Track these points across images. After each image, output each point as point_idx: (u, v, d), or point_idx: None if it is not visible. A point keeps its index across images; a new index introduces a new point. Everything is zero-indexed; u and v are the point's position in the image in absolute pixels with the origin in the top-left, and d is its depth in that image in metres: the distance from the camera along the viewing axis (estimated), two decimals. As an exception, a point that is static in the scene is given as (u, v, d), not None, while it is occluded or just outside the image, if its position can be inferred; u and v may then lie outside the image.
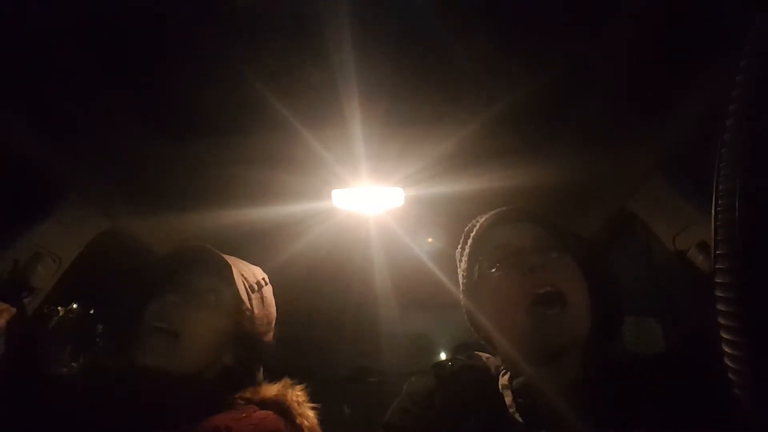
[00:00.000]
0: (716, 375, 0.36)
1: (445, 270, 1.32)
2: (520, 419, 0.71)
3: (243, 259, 1.06)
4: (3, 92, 0.86)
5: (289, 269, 1.38)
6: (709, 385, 0.52)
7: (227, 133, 1.03)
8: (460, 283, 0.87)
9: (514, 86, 0.90)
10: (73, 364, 1.62)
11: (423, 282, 1.58)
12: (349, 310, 2.08)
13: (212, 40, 0.80)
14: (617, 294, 0.81)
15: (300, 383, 0.99)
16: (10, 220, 1.08)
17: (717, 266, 0.35)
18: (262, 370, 1.03)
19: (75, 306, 1.71)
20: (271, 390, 0.95)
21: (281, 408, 0.92)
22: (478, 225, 0.85)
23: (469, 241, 0.85)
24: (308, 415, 0.95)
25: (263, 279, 1.05)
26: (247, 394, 0.93)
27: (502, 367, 0.80)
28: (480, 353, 0.87)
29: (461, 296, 0.87)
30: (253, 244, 1.29)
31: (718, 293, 0.34)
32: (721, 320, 0.34)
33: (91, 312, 1.75)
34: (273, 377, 1.00)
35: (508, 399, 0.74)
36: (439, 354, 2.44)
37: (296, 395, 0.96)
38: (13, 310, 0.91)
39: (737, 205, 0.33)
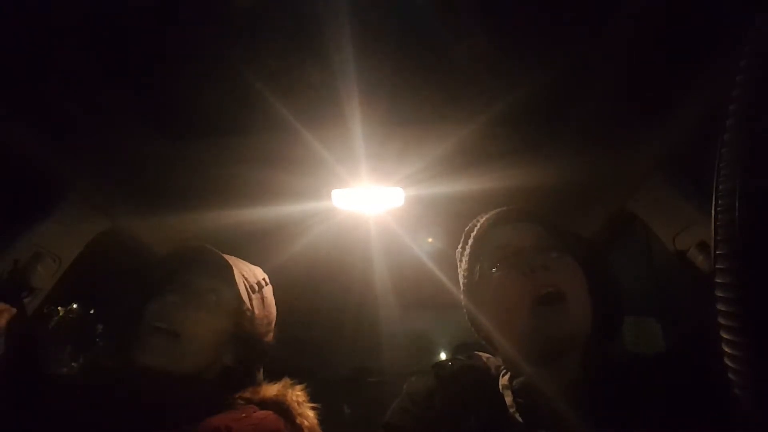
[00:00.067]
0: (716, 375, 0.36)
1: (445, 270, 1.32)
2: (520, 419, 0.71)
3: (243, 259, 1.06)
4: (3, 92, 0.86)
5: (289, 269, 1.38)
6: (709, 385, 0.52)
7: (227, 133, 1.03)
8: (461, 282, 0.87)
9: (514, 86, 0.90)
10: (73, 364, 1.62)
11: (423, 282, 1.58)
12: (349, 310, 2.08)
13: (212, 40, 0.80)
14: (617, 294, 0.81)
15: (300, 383, 0.99)
16: (10, 220, 1.08)
17: (717, 266, 0.35)
18: (262, 370, 1.03)
19: (75, 306, 1.71)
20: (271, 390, 0.95)
21: (281, 408, 0.92)
22: (478, 225, 0.85)
23: (470, 241, 0.85)
24: (308, 415, 0.95)
25: (264, 279, 1.05)
26: (247, 394, 0.93)
27: (502, 367, 0.80)
28: (480, 353, 0.87)
29: (461, 296, 0.87)
30: (253, 244, 1.29)
31: (718, 293, 0.34)
32: (721, 320, 0.34)
33: (91, 312, 1.75)
34: (273, 377, 1.00)
35: (508, 399, 0.74)
36: (439, 354, 2.44)
37: (296, 395, 0.96)
38: (13, 310, 0.91)
39: (737, 205, 0.33)
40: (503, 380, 0.77)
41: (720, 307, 0.34)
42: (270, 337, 1.03)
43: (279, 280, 1.10)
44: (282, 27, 0.77)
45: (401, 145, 1.07)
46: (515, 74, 0.88)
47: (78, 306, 1.71)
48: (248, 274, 1.01)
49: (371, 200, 1.27)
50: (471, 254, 0.84)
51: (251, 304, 0.97)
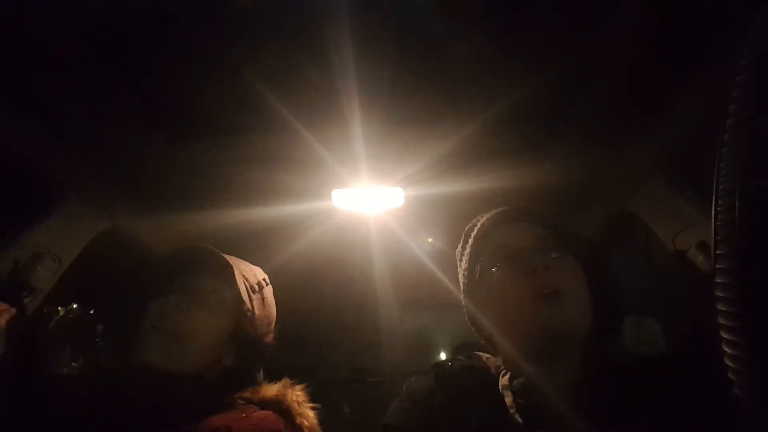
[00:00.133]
0: (716, 375, 0.36)
1: (445, 270, 1.32)
2: (520, 420, 0.70)
3: (243, 259, 1.06)
4: (3, 92, 0.86)
5: (289, 269, 1.38)
6: (709, 385, 0.52)
7: (227, 133, 1.03)
8: (461, 282, 0.87)
9: (514, 86, 0.91)
10: (73, 364, 1.62)
11: (423, 282, 1.58)
12: (349, 310, 2.09)
13: (212, 40, 0.80)
14: (617, 294, 0.81)
15: (300, 383, 0.99)
16: (10, 220, 1.08)
17: (717, 266, 0.35)
18: (261, 370, 1.03)
19: (75, 306, 1.71)
20: (271, 390, 0.95)
21: (281, 408, 0.92)
22: (479, 224, 0.85)
23: (470, 241, 0.85)
24: (308, 415, 0.95)
25: (264, 279, 1.05)
26: (247, 394, 0.93)
27: (502, 368, 0.80)
28: (480, 353, 0.87)
29: (462, 296, 0.87)
30: (253, 244, 1.29)
31: (718, 293, 0.34)
32: (721, 320, 0.34)
33: (91, 312, 1.75)
34: (273, 377, 1.00)
35: (508, 399, 0.74)
36: (439, 354, 2.44)
37: (296, 395, 0.96)
38: (13, 310, 0.91)
39: (737, 205, 0.33)
40: (503, 380, 0.77)
41: (720, 307, 0.34)
42: (270, 337, 1.03)
43: (279, 280, 1.10)
44: (282, 27, 0.77)
45: (401, 145, 1.07)
46: (515, 74, 0.88)
47: (78, 306, 1.71)
48: (249, 274, 1.01)
49: (371, 200, 1.27)
50: (471, 254, 0.84)
51: (251, 305, 0.97)
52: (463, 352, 0.89)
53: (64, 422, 0.83)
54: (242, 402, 0.92)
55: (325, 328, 2.21)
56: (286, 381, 0.99)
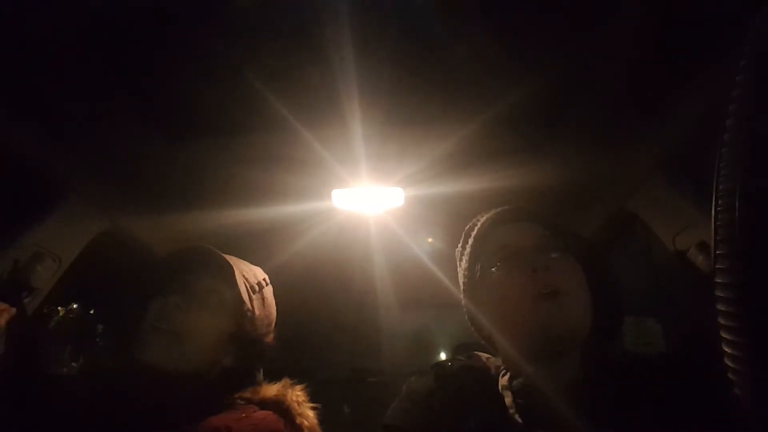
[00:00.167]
0: (716, 375, 0.36)
1: (445, 270, 1.32)
2: (519, 420, 0.71)
3: (243, 259, 1.06)
4: (3, 92, 0.86)
5: (289, 269, 1.38)
6: (709, 385, 0.52)
7: (227, 133, 1.03)
8: (461, 282, 0.87)
9: (514, 86, 0.90)
10: (73, 364, 1.62)
11: (423, 282, 1.58)
12: (349, 310, 2.08)
13: (212, 40, 0.80)
14: (617, 294, 0.82)
15: (300, 383, 0.99)
16: (10, 220, 1.08)
17: (717, 266, 0.35)
18: (261, 370, 1.03)
19: (75, 306, 1.71)
20: (271, 390, 0.95)
21: (281, 408, 0.92)
22: (479, 224, 0.85)
23: (470, 240, 0.85)
24: (308, 415, 0.95)
25: (264, 280, 1.05)
26: (247, 394, 0.93)
27: (502, 368, 0.80)
28: (480, 353, 0.87)
29: (462, 295, 0.87)
30: (253, 244, 1.29)
31: (718, 293, 0.34)
32: (721, 320, 0.34)
33: (91, 312, 1.75)
34: (273, 377, 1.00)
35: (508, 399, 0.74)
36: (439, 354, 2.44)
37: (296, 395, 0.96)
38: (13, 310, 0.91)
39: (737, 205, 0.33)
40: (503, 380, 0.77)
41: (720, 307, 0.34)
42: (270, 337, 1.03)
43: (279, 280, 1.10)
44: (282, 27, 0.77)
45: (401, 145, 1.07)
46: (515, 74, 0.88)
47: (78, 306, 1.71)
48: (249, 274, 1.01)
49: (371, 200, 1.27)
50: (471, 253, 0.84)
51: (252, 305, 0.97)
52: (463, 352, 0.89)
53: (64, 422, 0.83)
54: (242, 402, 0.92)
55: (325, 328, 2.21)
56: (286, 381, 0.99)
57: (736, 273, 0.33)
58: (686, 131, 1.01)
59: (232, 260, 0.99)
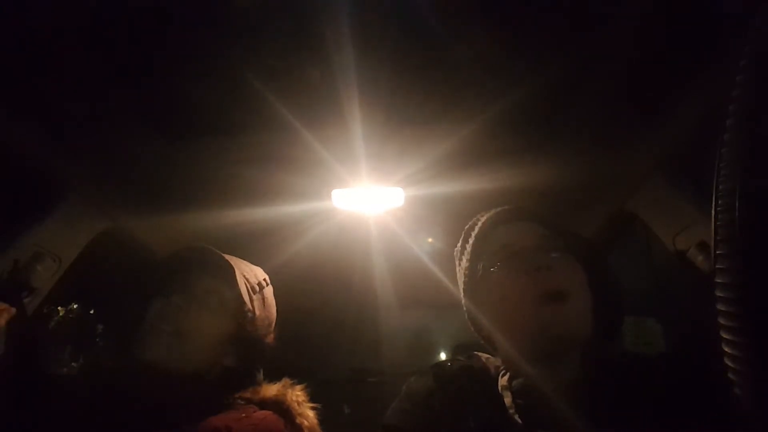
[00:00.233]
0: (716, 375, 0.36)
1: (445, 270, 1.32)
2: (519, 420, 0.70)
3: (243, 259, 1.06)
4: (3, 92, 0.86)
5: (289, 269, 1.38)
6: (709, 385, 0.52)
7: (227, 133, 1.03)
8: (461, 281, 0.87)
9: (514, 86, 0.90)
10: (73, 364, 1.62)
11: (423, 282, 1.58)
12: (349, 310, 2.08)
13: (212, 40, 0.80)
14: (618, 294, 0.81)
15: (300, 383, 0.99)
16: (10, 220, 1.08)
17: (717, 266, 0.35)
18: (261, 370, 1.03)
19: (75, 306, 1.71)
20: (271, 390, 0.95)
21: (281, 408, 0.92)
22: (480, 223, 0.84)
23: (471, 240, 0.84)
24: (308, 415, 0.95)
25: (264, 280, 1.05)
26: (247, 394, 0.93)
27: (501, 368, 0.80)
28: (480, 354, 0.87)
29: (462, 295, 0.87)
30: (253, 244, 1.29)
31: (718, 293, 0.34)
32: (721, 320, 0.34)
33: (91, 312, 1.75)
34: (273, 377, 1.00)
35: (507, 400, 0.74)
36: (438, 354, 2.44)
37: (296, 395, 0.96)
38: (13, 310, 0.91)
39: (737, 205, 0.33)
40: (502, 381, 0.77)
41: (720, 307, 0.34)
42: (271, 338, 1.03)
43: (279, 280, 1.10)
44: (282, 27, 0.77)
45: (401, 145, 1.07)
46: (515, 74, 0.88)
47: (78, 306, 1.71)
48: (249, 274, 1.01)
49: (371, 200, 1.27)
50: (472, 253, 0.84)
51: (252, 305, 0.97)
52: (463, 352, 0.89)
53: (64, 422, 0.83)
54: (242, 402, 0.92)
55: (325, 328, 2.21)
56: (286, 381, 0.99)
57: (736, 273, 0.33)
58: (686, 131, 1.01)
59: (233, 260, 0.99)
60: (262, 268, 1.08)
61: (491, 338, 0.84)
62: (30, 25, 0.74)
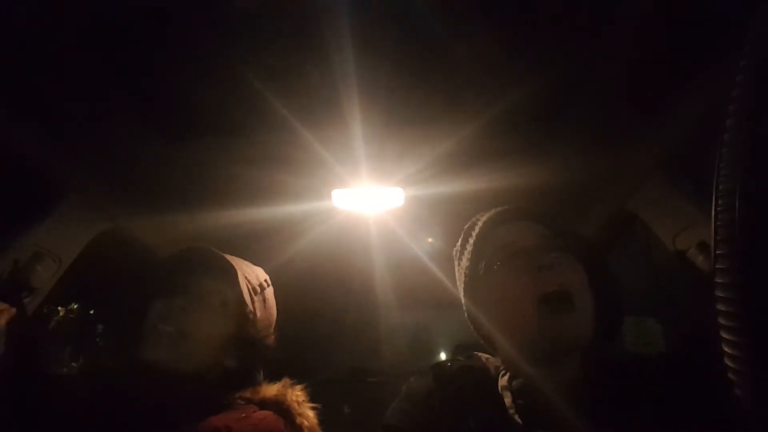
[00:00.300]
0: (716, 375, 0.36)
1: (445, 270, 1.31)
2: (519, 420, 0.70)
3: (244, 259, 1.06)
4: (3, 92, 0.86)
5: (289, 269, 1.38)
6: (709, 385, 0.52)
7: (227, 133, 1.03)
8: (461, 281, 0.87)
9: (514, 86, 0.90)
10: (73, 364, 1.62)
11: (423, 282, 1.58)
12: (349, 310, 2.08)
13: (212, 40, 0.80)
14: (618, 294, 0.81)
15: (300, 383, 0.99)
16: (10, 220, 1.08)
17: (717, 266, 0.35)
18: (261, 371, 1.03)
19: (75, 306, 1.71)
20: (271, 390, 0.95)
21: (281, 408, 0.92)
22: (480, 223, 0.84)
23: (472, 239, 0.84)
24: (308, 415, 0.95)
25: (265, 281, 1.05)
26: (247, 394, 0.93)
27: (501, 368, 0.80)
28: (480, 354, 0.87)
29: (461, 295, 0.87)
30: (253, 244, 1.29)
31: (718, 293, 0.34)
32: (721, 320, 0.34)
33: (91, 312, 1.75)
34: (273, 377, 1.00)
35: (507, 400, 0.74)
36: (438, 354, 2.44)
37: (296, 395, 0.96)
38: (13, 310, 0.91)
39: (737, 205, 0.33)
40: (502, 381, 0.77)
41: (720, 307, 0.34)
42: (271, 339, 1.03)
43: (279, 280, 1.10)
44: (282, 27, 0.77)
45: (401, 145, 1.07)
46: (515, 74, 0.88)
47: (78, 306, 1.71)
48: (251, 275, 1.01)
49: (371, 200, 1.27)
50: (473, 252, 0.84)
51: (253, 306, 0.97)
52: (462, 352, 0.89)
53: (64, 422, 0.82)
54: (242, 402, 0.92)
55: (325, 328, 2.21)
56: (286, 381, 0.99)
57: (736, 273, 0.33)
58: (686, 131, 1.01)
59: (234, 261, 0.99)
60: (262, 267, 1.08)
61: (491, 338, 0.84)
62: (30, 25, 0.74)
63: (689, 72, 0.86)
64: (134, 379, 0.88)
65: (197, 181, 1.20)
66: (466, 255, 0.85)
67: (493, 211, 0.86)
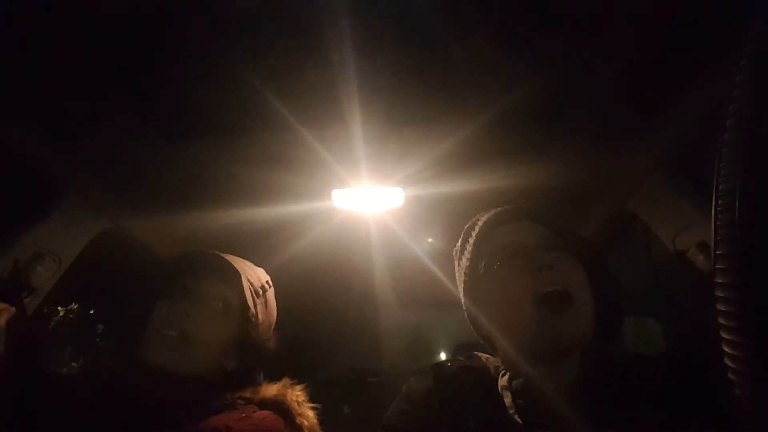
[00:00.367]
0: (716, 375, 0.36)
1: (445, 270, 1.31)
2: (519, 420, 0.70)
3: (243, 259, 1.06)
4: (3, 92, 0.86)
5: (289, 269, 1.38)
6: (709, 385, 0.52)
7: (227, 133, 1.03)
8: (461, 281, 0.87)
9: (514, 86, 0.90)
10: (73, 364, 1.62)
11: (423, 282, 1.58)
12: (349, 310, 2.09)
13: (212, 40, 0.80)
14: (618, 294, 0.81)
15: (300, 383, 0.99)
16: (10, 220, 1.08)
17: (717, 266, 0.35)
18: (261, 371, 1.03)
19: (75, 306, 1.71)
20: (271, 390, 0.95)
21: (281, 408, 0.92)
22: (480, 223, 0.84)
23: (472, 239, 0.84)
24: (308, 415, 0.95)
25: (267, 282, 1.05)
26: (247, 394, 0.93)
27: (501, 368, 0.80)
28: (480, 354, 0.87)
29: (461, 294, 0.87)
30: (253, 244, 1.29)
31: (718, 293, 0.34)
32: (721, 320, 0.34)
33: (91, 312, 1.75)
34: (273, 377, 1.00)
35: (507, 400, 0.74)
36: (438, 354, 2.44)
37: (296, 395, 0.96)
38: (13, 310, 0.91)
39: (737, 205, 0.33)
40: (502, 381, 0.77)
41: (720, 307, 0.34)
42: (272, 342, 1.03)
43: (279, 280, 1.10)
44: (282, 27, 0.77)
45: (401, 145, 1.07)
46: (515, 74, 0.88)
47: (78, 306, 1.71)
48: (253, 278, 1.01)
49: (371, 200, 1.27)
50: (473, 252, 0.84)
51: (255, 310, 0.97)
52: (462, 352, 0.89)
53: (64, 422, 0.82)
54: (242, 402, 0.92)
55: (325, 328, 2.21)
56: (286, 381, 0.98)
57: (736, 273, 0.33)
58: (686, 131, 1.01)
59: (237, 263, 0.98)
60: (262, 267, 1.08)
61: (491, 338, 0.84)
62: (30, 25, 0.74)
63: (689, 72, 0.86)
64: (134, 379, 0.88)
65: (197, 181, 1.20)
66: (466, 255, 0.85)
67: (493, 211, 0.86)
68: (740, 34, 0.35)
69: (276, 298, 1.07)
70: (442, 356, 2.42)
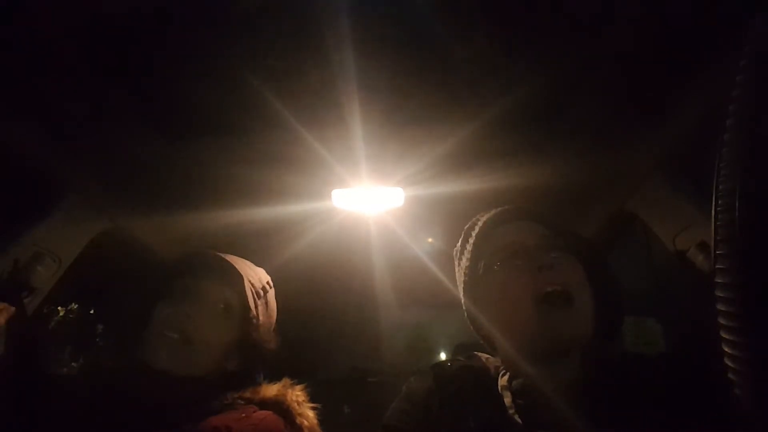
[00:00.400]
0: (716, 375, 0.36)
1: (445, 270, 1.32)
2: (519, 420, 0.70)
3: (244, 260, 1.06)
4: (3, 92, 0.86)
5: (289, 269, 1.38)
6: (709, 385, 0.52)
7: (227, 133, 1.03)
8: (461, 281, 0.87)
9: (514, 86, 0.90)
10: (73, 364, 1.62)
11: (423, 282, 1.58)
12: (349, 310, 2.09)
13: (212, 40, 0.80)
14: (618, 294, 0.81)
15: (300, 383, 0.99)
16: (10, 220, 1.08)
17: (717, 266, 0.35)
18: (261, 371, 1.03)
19: (75, 306, 1.71)
20: (271, 390, 0.95)
21: (281, 408, 0.92)
22: (481, 223, 0.84)
23: (472, 239, 0.84)
24: (308, 415, 0.95)
25: (268, 283, 1.05)
26: (247, 394, 0.93)
27: (501, 368, 0.80)
28: (480, 354, 0.87)
29: (461, 294, 0.87)
30: (253, 244, 1.29)
31: (718, 293, 0.34)
32: (721, 320, 0.34)
33: (91, 312, 1.75)
34: (273, 377, 1.00)
35: (507, 400, 0.74)
36: (438, 354, 2.44)
37: (296, 395, 0.96)
38: (13, 310, 0.91)
39: (737, 205, 0.33)
40: (502, 381, 0.77)
41: (720, 307, 0.34)
42: (273, 344, 1.02)
43: (279, 280, 1.10)
44: (282, 27, 0.77)
45: (401, 146, 1.07)
46: (515, 74, 0.88)
47: (78, 306, 1.71)
48: (254, 279, 1.01)
49: (371, 200, 1.27)
50: (473, 252, 0.84)
51: (256, 311, 0.97)
52: (462, 352, 0.89)
53: (64, 422, 0.82)
54: (242, 402, 0.92)
55: (325, 328, 2.21)
56: (286, 381, 0.98)
57: (736, 273, 0.33)
58: (686, 131, 1.01)
59: (238, 264, 0.98)
60: (262, 267, 1.08)
61: (491, 338, 0.84)
62: (30, 25, 0.74)
63: (689, 72, 0.86)
64: (134, 379, 0.88)
65: (197, 181, 1.20)
66: (466, 255, 0.85)
67: (493, 211, 0.86)
68: (740, 34, 0.35)
69: (276, 298, 1.07)
70: (442, 356, 2.42)
